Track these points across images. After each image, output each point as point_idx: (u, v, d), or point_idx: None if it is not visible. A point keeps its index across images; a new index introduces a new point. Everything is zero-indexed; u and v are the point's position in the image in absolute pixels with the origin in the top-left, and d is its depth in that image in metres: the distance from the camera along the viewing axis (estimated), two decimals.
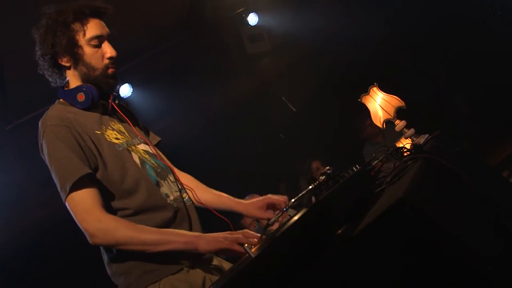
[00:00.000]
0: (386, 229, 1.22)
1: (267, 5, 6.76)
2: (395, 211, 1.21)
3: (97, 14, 2.03)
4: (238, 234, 1.76)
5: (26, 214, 5.41)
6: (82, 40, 1.97)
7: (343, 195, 1.42)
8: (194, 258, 1.92)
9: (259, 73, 7.28)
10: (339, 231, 1.29)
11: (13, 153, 5.36)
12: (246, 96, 7.17)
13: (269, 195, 2.13)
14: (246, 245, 1.43)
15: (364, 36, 6.60)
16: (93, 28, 1.99)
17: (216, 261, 2.05)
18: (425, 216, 1.20)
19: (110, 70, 2.03)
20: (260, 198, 2.13)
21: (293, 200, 1.58)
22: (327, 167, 1.63)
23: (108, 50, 2.01)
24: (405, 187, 1.32)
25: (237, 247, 1.68)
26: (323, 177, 1.57)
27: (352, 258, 1.24)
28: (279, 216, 1.57)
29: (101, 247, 1.94)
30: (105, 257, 1.95)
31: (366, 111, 5.14)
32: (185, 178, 2.31)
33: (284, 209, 1.61)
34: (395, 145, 3.47)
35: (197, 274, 1.89)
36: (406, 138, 2.64)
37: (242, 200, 2.23)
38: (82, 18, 1.98)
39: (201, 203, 2.23)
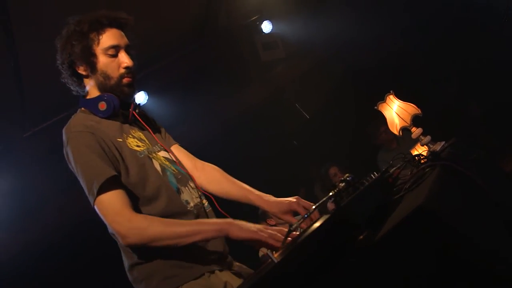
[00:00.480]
0: (407, 235, 1.25)
1: (281, 13, 6.81)
2: (416, 217, 1.23)
3: (116, 24, 2.08)
4: (274, 230, 1.74)
5: (42, 220, 5.47)
6: (97, 49, 2.02)
7: (364, 202, 1.45)
8: (215, 263, 1.95)
9: (273, 80, 7.33)
10: (361, 237, 1.32)
11: (30, 159, 5.43)
12: (260, 103, 7.21)
13: (297, 201, 2.12)
14: (268, 250, 1.46)
15: (377, 44, 6.63)
16: (109, 37, 2.04)
17: (236, 267, 2.07)
18: (445, 223, 1.23)
19: (126, 80, 2.06)
20: (289, 200, 2.13)
21: (314, 206, 1.61)
22: (347, 174, 1.65)
23: (124, 59, 2.05)
24: (424, 194, 1.34)
25: (273, 242, 1.67)
26: (343, 184, 1.60)
27: (373, 264, 1.27)
28: (301, 223, 1.60)
29: (122, 254, 1.98)
30: (126, 263, 1.98)
31: (380, 118, 5.16)
32: (211, 169, 2.35)
33: (306, 215, 1.63)
34: (410, 152, 3.50)
35: (218, 279, 1.91)
36: (422, 145, 2.65)
37: (269, 197, 2.20)
38: (99, 28, 2.03)
39: (225, 196, 2.26)
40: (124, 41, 2.08)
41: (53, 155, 5.44)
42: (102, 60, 2.02)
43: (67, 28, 2.05)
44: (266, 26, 6.84)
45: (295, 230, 1.57)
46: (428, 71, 6.68)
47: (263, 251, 4.68)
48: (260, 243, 1.72)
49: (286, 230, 1.65)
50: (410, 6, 6.48)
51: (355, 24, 6.65)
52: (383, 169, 1.93)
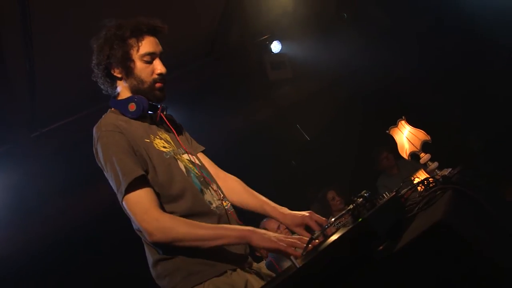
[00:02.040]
0: (425, 248, 1.33)
1: (291, 34, 6.93)
2: (434, 231, 1.32)
3: (153, 32, 2.17)
4: (294, 239, 1.79)
5: (44, 222, 5.51)
6: (135, 55, 2.11)
7: (384, 215, 1.54)
8: (236, 262, 2.01)
9: (278, 100, 7.43)
10: (380, 248, 1.40)
11: (36, 160, 5.48)
12: (264, 121, 7.30)
13: (310, 215, 2.18)
14: (291, 256, 1.53)
15: (383, 71, 6.75)
16: (147, 45, 2.12)
17: (255, 267, 2.14)
18: (462, 238, 1.32)
19: (158, 84, 2.15)
20: (302, 214, 2.20)
21: (333, 219, 1.70)
22: (364, 191, 1.75)
23: (158, 66, 2.14)
24: (442, 211, 1.44)
25: (293, 251, 1.72)
26: (361, 199, 1.69)
27: (392, 274, 1.35)
28: (322, 231, 1.68)
29: (146, 250, 2.05)
30: (150, 259, 2.03)
31: (382, 144, 5.26)
32: (232, 181, 2.44)
33: (326, 226, 1.71)
34: (411, 178, 3.60)
35: (240, 278, 1.97)
36: (429, 171, 2.75)
37: (284, 210, 2.28)
38: (138, 34, 2.12)
39: (243, 206, 2.35)
40: (159, 48, 2.17)
41: (58, 157, 5.55)
42: (139, 65, 2.11)
43: (107, 31, 2.13)
44: (276, 46, 6.98)
45: (316, 239, 1.65)
46: (432, 102, 6.80)
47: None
48: (280, 253, 1.77)
49: (306, 238, 1.73)
50: (420, 38, 6.62)
51: (363, 50, 6.79)
52: (396, 189, 2.04)
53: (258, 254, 5.06)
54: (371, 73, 6.76)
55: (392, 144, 3.14)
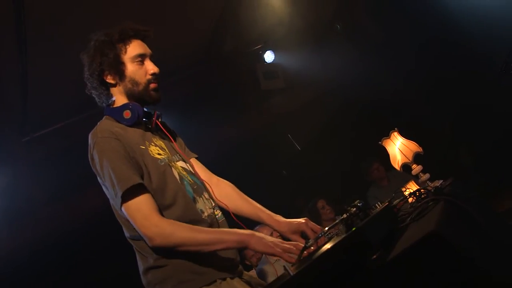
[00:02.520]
0: (418, 257, 1.35)
1: (284, 45, 6.98)
2: (427, 241, 1.34)
3: (140, 35, 2.19)
4: (290, 245, 1.80)
5: (34, 226, 5.48)
6: (126, 58, 2.13)
7: (377, 225, 1.55)
8: (226, 271, 2.01)
9: (270, 109, 7.45)
10: (374, 257, 1.42)
11: (26, 164, 5.46)
12: (255, 129, 7.31)
13: (306, 222, 2.18)
14: (285, 263, 1.54)
15: (375, 83, 6.80)
16: (136, 47, 2.15)
17: (246, 276, 2.13)
18: (454, 248, 1.34)
19: (152, 85, 2.15)
20: (298, 221, 2.19)
21: (327, 228, 1.71)
22: (357, 200, 1.76)
23: (150, 67, 2.16)
24: (435, 221, 1.45)
25: (288, 257, 1.73)
26: (354, 208, 1.70)
27: (386, 282, 1.37)
28: (316, 240, 1.69)
29: (137, 257, 2.05)
30: (141, 267, 2.03)
31: (373, 155, 5.28)
32: (225, 186, 2.44)
33: (320, 235, 1.72)
34: (402, 189, 3.63)
35: (229, 286, 1.97)
36: (421, 182, 2.77)
37: (279, 217, 2.28)
38: (126, 38, 2.15)
39: (237, 212, 2.34)
40: (148, 50, 2.20)
41: (48, 162, 5.53)
42: (131, 67, 2.13)
43: (95, 41, 2.15)
44: (269, 56, 7.02)
45: (310, 247, 1.66)
46: (424, 115, 6.86)
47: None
48: (275, 257, 1.78)
49: (301, 245, 1.74)
50: (412, 51, 6.68)
51: (356, 62, 6.83)
52: (388, 200, 2.05)
53: (247, 262, 5.06)
54: (363, 85, 6.80)
55: (383, 155, 3.17)
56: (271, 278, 4.18)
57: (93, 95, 2.23)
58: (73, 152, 4.25)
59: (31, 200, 5.39)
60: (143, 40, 2.21)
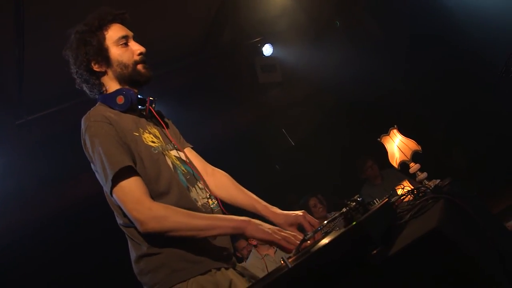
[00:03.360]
0: (419, 254, 1.34)
1: (282, 38, 6.98)
2: (429, 238, 1.32)
3: (118, 19, 2.19)
4: (288, 234, 1.78)
5: (23, 209, 5.47)
6: (110, 43, 2.13)
7: (378, 220, 1.53)
8: (221, 261, 1.99)
9: (266, 103, 7.43)
10: (374, 252, 1.40)
11: (18, 147, 5.44)
12: (251, 122, 7.30)
13: (303, 215, 2.15)
14: (283, 255, 1.52)
15: (373, 82, 6.79)
16: (117, 30, 2.16)
17: (239, 267, 2.11)
18: (456, 245, 1.32)
19: (140, 65, 2.15)
20: (296, 213, 2.16)
21: (325, 222, 1.69)
22: (357, 195, 1.74)
23: (136, 47, 2.16)
24: (436, 219, 1.44)
25: (286, 244, 1.72)
26: (354, 203, 1.68)
27: (385, 278, 1.35)
28: (315, 233, 1.67)
29: (129, 245, 2.01)
30: (133, 255, 1.99)
31: (367, 153, 5.28)
32: (220, 175, 2.41)
33: (319, 228, 1.70)
34: (395, 189, 3.62)
35: (224, 277, 1.95)
36: (418, 181, 2.76)
37: (276, 209, 2.24)
38: (105, 24, 2.14)
39: (232, 203, 2.31)
40: (129, 32, 2.20)
41: (41, 146, 5.50)
42: (116, 51, 2.13)
43: (75, 34, 2.14)
44: (267, 49, 7.02)
45: (309, 239, 1.64)
46: (420, 115, 6.86)
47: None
48: (273, 244, 1.76)
49: (300, 237, 1.72)
50: (411, 51, 6.67)
51: (354, 59, 6.82)
52: (388, 196, 2.04)
53: (238, 254, 5.05)
54: (360, 82, 6.80)
55: (377, 153, 3.16)
56: (259, 272, 4.14)
57: (85, 89, 2.20)
58: (66, 136, 4.22)
59: (22, 182, 5.37)
60: (122, 23, 2.21)
